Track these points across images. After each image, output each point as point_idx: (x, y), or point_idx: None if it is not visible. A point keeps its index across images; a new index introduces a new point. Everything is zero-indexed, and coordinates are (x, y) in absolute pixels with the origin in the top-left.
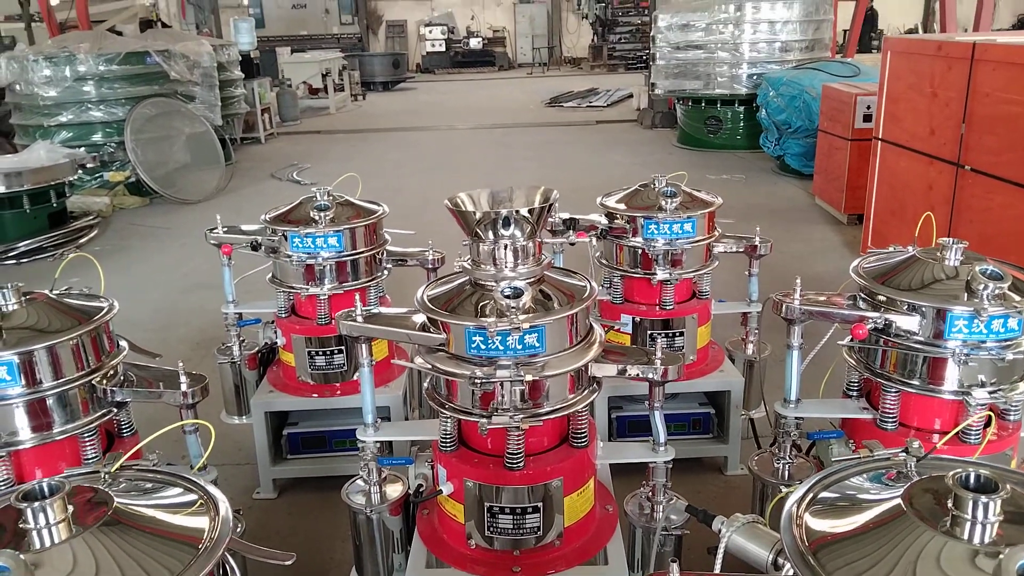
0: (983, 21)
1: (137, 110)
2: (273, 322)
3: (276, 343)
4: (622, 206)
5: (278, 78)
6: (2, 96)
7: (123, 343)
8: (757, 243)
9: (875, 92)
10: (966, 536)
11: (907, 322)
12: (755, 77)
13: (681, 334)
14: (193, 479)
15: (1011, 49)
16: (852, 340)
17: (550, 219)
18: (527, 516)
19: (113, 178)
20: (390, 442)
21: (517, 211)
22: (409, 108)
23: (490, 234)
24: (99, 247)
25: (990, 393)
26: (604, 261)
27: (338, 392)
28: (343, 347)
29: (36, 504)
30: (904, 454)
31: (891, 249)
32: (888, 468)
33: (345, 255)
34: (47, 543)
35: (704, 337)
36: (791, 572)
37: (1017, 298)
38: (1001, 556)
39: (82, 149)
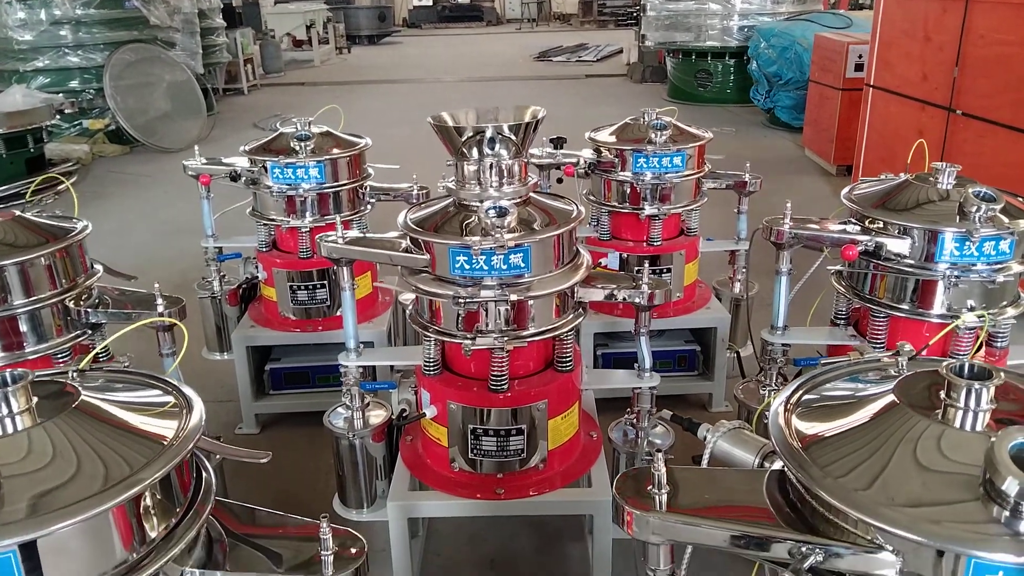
0: None
1: (116, 56)
2: (254, 257)
3: (257, 278)
4: (612, 139)
5: (261, 30)
6: None
7: (98, 266)
8: (747, 179)
9: (867, 41)
10: (959, 423)
11: (898, 245)
12: (746, 30)
13: (668, 270)
14: (168, 380)
15: None
16: (842, 264)
17: (535, 157)
18: (511, 438)
19: (93, 126)
20: (374, 372)
21: (502, 128)
22: (395, 62)
23: (475, 152)
24: (78, 194)
25: (979, 317)
26: (592, 197)
27: (320, 328)
28: (325, 281)
29: None
30: (895, 356)
31: (882, 176)
32: (878, 369)
33: (327, 187)
34: (8, 431)
35: (691, 274)
36: (776, 467)
37: (1008, 220)
38: (993, 439)
39: (60, 95)
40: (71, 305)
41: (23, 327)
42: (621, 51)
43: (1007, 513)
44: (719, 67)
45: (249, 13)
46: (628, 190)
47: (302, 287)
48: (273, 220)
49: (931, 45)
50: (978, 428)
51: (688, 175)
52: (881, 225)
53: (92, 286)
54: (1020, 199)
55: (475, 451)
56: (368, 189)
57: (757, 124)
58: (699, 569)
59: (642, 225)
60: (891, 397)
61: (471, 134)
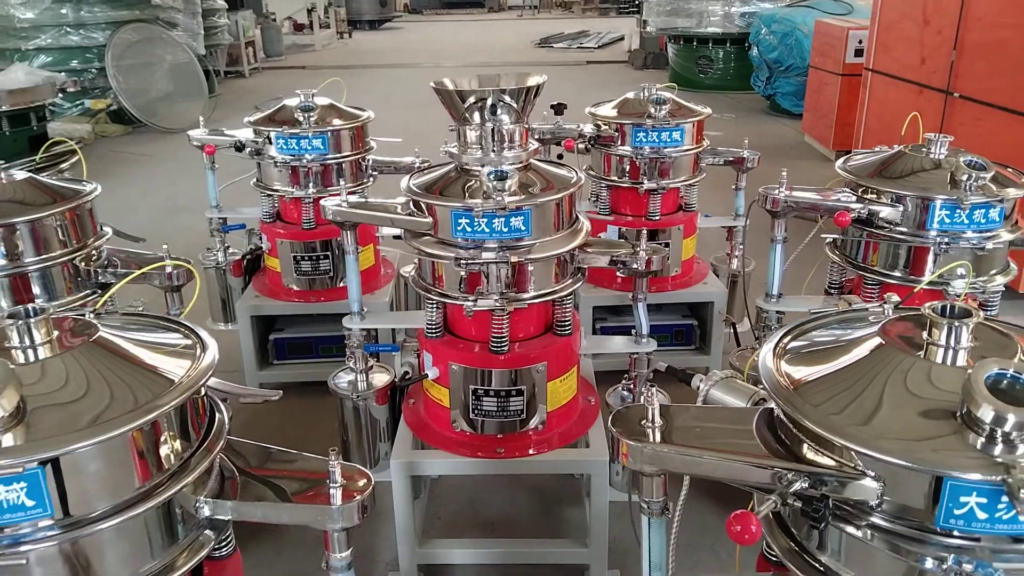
0: None
1: (118, 35)
2: (258, 228)
3: (261, 249)
4: (612, 114)
5: (262, 13)
6: None
7: (107, 228)
8: (744, 156)
9: (867, 27)
10: (940, 360)
11: (890, 212)
12: (747, 16)
13: (666, 245)
14: (183, 322)
15: None
16: (837, 233)
17: (537, 130)
18: (511, 399)
19: (95, 105)
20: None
21: (504, 92)
22: (396, 47)
23: (477, 117)
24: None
25: (969, 284)
26: (592, 172)
27: (323, 298)
28: (328, 252)
29: (20, 322)
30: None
31: (877, 148)
32: (865, 318)
33: (329, 158)
34: (31, 359)
35: (689, 249)
36: (768, 407)
37: (997, 189)
38: (970, 370)
39: (62, 74)
40: (81, 265)
41: (34, 285)
42: (623, 38)
43: (983, 439)
44: (720, 54)
45: None
46: (628, 165)
47: (305, 257)
48: (277, 191)
49: (930, 29)
50: (959, 363)
51: (687, 150)
52: (875, 195)
53: (101, 247)
54: (1010, 169)
55: (476, 411)
56: (370, 161)
57: (758, 111)
58: (691, 535)
59: (641, 200)
60: (877, 339)
61: (473, 99)
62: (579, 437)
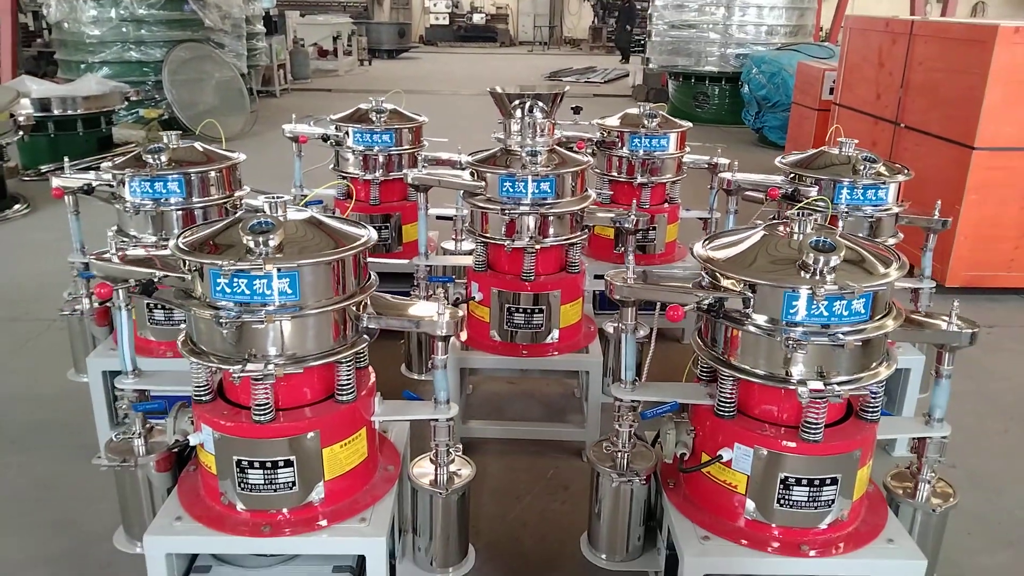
0: (948, 8)
1: (174, 52)
2: (331, 205)
3: None
4: (614, 123)
5: (289, 38)
6: (34, 39)
7: (246, 186)
8: (718, 162)
9: None
10: (795, 238)
11: (810, 191)
12: (741, 57)
13: (654, 229)
14: (361, 223)
15: (939, 26)
16: (773, 209)
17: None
18: (535, 316)
19: (148, 114)
20: None
21: (539, 97)
22: (415, 75)
23: (519, 112)
24: None
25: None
26: (597, 170)
27: (379, 259)
28: (388, 224)
29: (273, 201)
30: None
31: (809, 151)
32: (759, 226)
33: (394, 150)
34: (281, 221)
35: (672, 234)
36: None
37: (887, 174)
38: (802, 237)
39: (125, 84)
40: (230, 209)
41: (198, 220)
42: (627, 74)
43: (808, 274)
44: (716, 90)
45: (281, 23)
46: (625, 164)
47: (372, 227)
48: (350, 174)
49: (884, 70)
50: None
51: (672, 154)
52: (800, 180)
53: (242, 197)
54: (898, 165)
55: (508, 324)
56: (424, 155)
57: (747, 143)
58: None
59: (635, 192)
60: (762, 232)
61: (517, 101)
62: (582, 348)
